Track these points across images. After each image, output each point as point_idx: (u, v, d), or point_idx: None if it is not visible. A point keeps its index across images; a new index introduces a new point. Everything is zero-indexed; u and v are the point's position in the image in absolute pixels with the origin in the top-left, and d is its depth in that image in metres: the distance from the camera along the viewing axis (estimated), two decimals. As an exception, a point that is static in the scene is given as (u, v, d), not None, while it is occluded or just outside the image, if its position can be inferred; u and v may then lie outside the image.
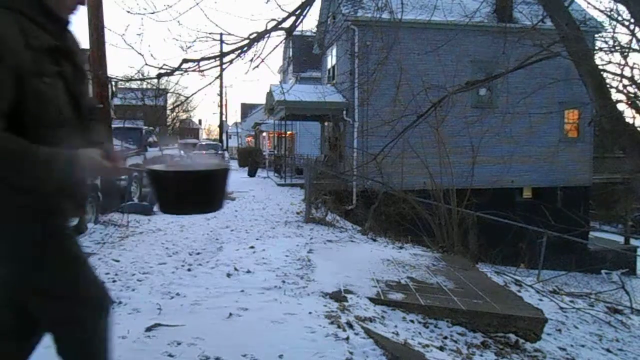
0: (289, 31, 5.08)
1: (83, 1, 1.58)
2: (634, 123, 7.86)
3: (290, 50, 20.62)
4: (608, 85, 5.52)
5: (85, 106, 1.62)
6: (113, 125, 8.99)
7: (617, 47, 6.79)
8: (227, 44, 5.04)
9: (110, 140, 1.70)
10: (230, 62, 5.06)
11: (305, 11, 5.11)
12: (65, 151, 1.41)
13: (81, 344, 1.71)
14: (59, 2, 1.51)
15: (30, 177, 1.41)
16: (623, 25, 6.59)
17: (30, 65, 1.39)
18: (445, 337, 3.56)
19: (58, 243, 1.56)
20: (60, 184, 1.48)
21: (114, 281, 4.09)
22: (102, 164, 1.47)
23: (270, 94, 17.54)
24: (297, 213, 9.74)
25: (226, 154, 30.86)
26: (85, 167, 1.44)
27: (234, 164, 31.24)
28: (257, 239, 6.46)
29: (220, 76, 5.13)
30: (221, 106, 35.24)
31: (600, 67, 5.66)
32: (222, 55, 5.00)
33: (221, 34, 5.99)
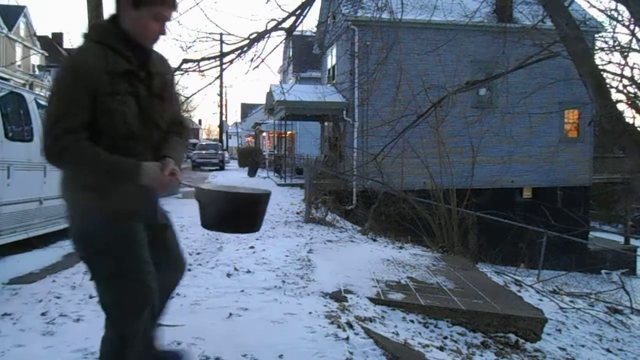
0: (289, 31, 5.08)
1: (164, 32, 1.85)
2: (634, 123, 7.87)
3: (290, 50, 20.61)
4: (608, 85, 5.53)
5: (158, 121, 1.87)
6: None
7: (617, 47, 6.79)
8: (227, 44, 5.05)
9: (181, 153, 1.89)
10: (230, 62, 5.06)
11: (305, 11, 5.11)
12: (129, 161, 1.71)
13: (105, 340, 1.88)
14: (144, 35, 1.81)
15: (96, 178, 1.74)
16: (623, 25, 6.59)
17: (106, 86, 1.70)
18: (445, 337, 3.56)
19: (115, 240, 1.79)
20: (123, 189, 1.75)
21: (114, 281, 4.08)
22: (160, 177, 1.74)
23: (270, 94, 17.54)
24: (297, 213, 9.74)
25: (226, 154, 30.87)
26: (145, 177, 1.72)
27: (233, 164, 31.25)
28: (257, 239, 6.45)
29: (220, 76, 5.13)
30: (221, 106, 35.26)
31: (600, 67, 5.66)
32: (222, 55, 5.00)
33: (221, 34, 5.99)
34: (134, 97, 1.78)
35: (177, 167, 1.82)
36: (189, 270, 4.56)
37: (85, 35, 1.83)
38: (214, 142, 30.68)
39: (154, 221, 1.96)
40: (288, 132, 23.04)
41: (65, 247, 5.57)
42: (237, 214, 1.87)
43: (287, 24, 5.04)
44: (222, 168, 25.58)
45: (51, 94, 1.75)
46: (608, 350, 4.51)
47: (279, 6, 4.93)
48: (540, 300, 5.58)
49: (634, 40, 6.43)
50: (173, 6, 1.86)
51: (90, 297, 3.62)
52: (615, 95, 5.98)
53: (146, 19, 1.78)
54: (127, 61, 1.77)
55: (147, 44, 1.84)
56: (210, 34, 5.37)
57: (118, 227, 1.79)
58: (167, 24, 1.86)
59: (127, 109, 1.75)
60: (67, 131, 1.66)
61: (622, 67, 6.72)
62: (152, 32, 1.81)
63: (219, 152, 26.42)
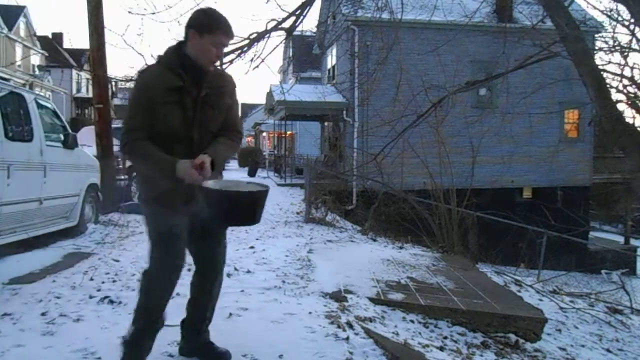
0: (289, 31, 5.08)
1: (221, 56, 2.46)
2: (634, 123, 7.86)
3: (290, 50, 20.61)
4: (608, 85, 5.52)
5: (208, 126, 2.34)
6: (113, 126, 9.00)
7: (617, 47, 6.79)
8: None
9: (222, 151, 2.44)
10: (231, 62, 5.06)
11: (305, 11, 5.11)
12: (168, 158, 2.18)
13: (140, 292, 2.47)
14: (204, 59, 2.26)
15: (147, 169, 2.32)
16: (623, 25, 6.58)
17: (159, 98, 2.19)
18: (445, 337, 3.56)
19: (157, 219, 2.31)
20: (166, 180, 2.21)
21: (114, 281, 4.08)
22: (188, 172, 2.13)
23: (270, 94, 17.53)
24: (297, 213, 9.74)
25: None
26: (179, 171, 2.14)
27: (233, 164, 31.24)
28: (257, 239, 6.45)
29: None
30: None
31: (600, 67, 5.66)
32: (223, 55, 4.99)
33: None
34: (180, 107, 2.24)
35: (207, 161, 2.16)
36: (189, 270, 4.56)
37: (157, 57, 2.38)
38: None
39: (188, 210, 2.32)
40: (288, 132, 23.04)
41: (65, 247, 5.57)
42: (238, 211, 2.16)
43: (287, 24, 5.05)
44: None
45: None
46: (608, 350, 4.51)
47: (279, 6, 4.93)
48: (540, 300, 5.58)
49: (634, 40, 6.43)
50: (231, 35, 2.32)
51: (90, 297, 3.62)
52: (615, 95, 5.98)
53: (207, 46, 2.23)
54: (179, 78, 2.23)
55: (205, 66, 2.27)
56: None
57: (155, 207, 2.33)
58: (223, 49, 2.40)
59: (172, 116, 2.23)
60: (130, 131, 2.24)
61: (622, 67, 6.72)
62: (211, 56, 2.27)
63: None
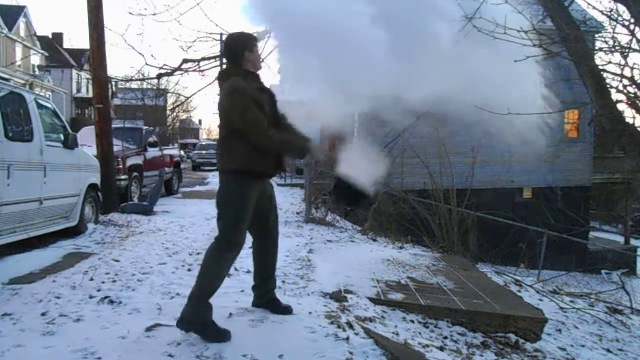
0: (289, 31, 5.07)
1: (260, 67, 3.13)
2: (634, 123, 7.84)
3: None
4: (608, 85, 5.52)
5: (277, 116, 3.08)
6: (113, 125, 8.99)
7: (617, 47, 6.78)
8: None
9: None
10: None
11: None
12: (299, 140, 3.09)
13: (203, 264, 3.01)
14: (259, 65, 3.10)
15: (280, 151, 3.07)
16: (623, 25, 6.57)
17: (255, 94, 2.89)
18: (445, 337, 3.56)
19: (246, 193, 2.94)
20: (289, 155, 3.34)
21: (114, 281, 4.08)
22: (318, 148, 3.14)
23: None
24: (297, 213, 9.74)
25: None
26: (313, 148, 3.09)
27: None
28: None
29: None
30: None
31: (600, 67, 5.65)
32: (222, 55, 4.99)
33: (221, 34, 5.99)
34: (265, 103, 2.94)
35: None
36: (189, 270, 4.57)
37: (231, 75, 3.00)
38: (214, 142, 30.70)
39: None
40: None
41: (65, 247, 5.57)
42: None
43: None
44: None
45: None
46: (608, 350, 4.51)
47: (279, 6, 4.92)
48: (540, 300, 5.58)
49: (634, 40, 6.42)
50: (258, 41, 3.14)
51: (90, 297, 3.62)
52: (615, 95, 5.96)
53: (256, 56, 3.06)
54: (255, 83, 3.00)
55: (258, 70, 3.08)
56: (210, 33, 5.37)
57: (248, 180, 2.99)
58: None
59: (266, 109, 2.94)
60: (257, 123, 2.88)
61: (622, 67, 6.70)
62: (259, 61, 3.11)
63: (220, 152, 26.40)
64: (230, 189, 2.93)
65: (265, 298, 3.27)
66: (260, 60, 3.14)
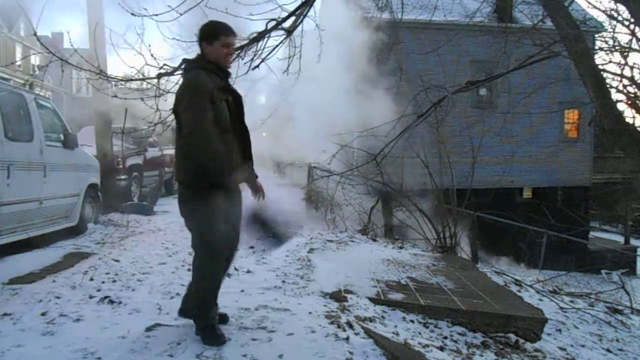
0: (289, 31, 5.07)
1: (233, 54, 3.03)
2: (634, 123, 7.86)
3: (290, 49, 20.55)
4: (608, 85, 5.52)
5: (242, 122, 2.83)
6: (113, 125, 8.99)
7: (617, 47, 6.78)
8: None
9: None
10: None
11: (306, 11, 5.10)
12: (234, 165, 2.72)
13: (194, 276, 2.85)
14: (222, 60, 2.80)
15: (208, 170, 2.62)
16: (623, 25, 6.58)
17: (215, 95, 2.64)
18: (445, 337, 3.56)
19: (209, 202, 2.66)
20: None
21: (114, 281, 4.08)
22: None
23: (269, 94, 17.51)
24: (297, 213, 9.73)
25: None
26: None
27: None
28: (257, 239, 6.44)
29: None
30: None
31: (600, 67, 5.65)
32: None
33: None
34: (226, 103, 2.71)
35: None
36: (189, 270, 4.56)
37: (192, 66, 2.78)
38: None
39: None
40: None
41: (65, 247, 5.57)
42: None
43: (287, 24, 5.03)
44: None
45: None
46: (608, 350, 4.51)
47: (279, 6, 4.92)
48: (540, 300, 5.57)
49: (634, 40, 6.42)
50: (234, 34, 2.85)
51: (90, 297, 3.62)
52: (615, 95, 5.96)
53: (219, 48, 2.75)
54: (220, 79, 2.74)
55: (225, 66, 2.83)
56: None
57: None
58: (232, 48, 2.93)
59: (225, 111, 2.69)
60: (203, 123, 2.62)
61: (622, 67, 6.71)
62: (226, 56, 2.81)
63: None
64: (197, 201, 2.66)
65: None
66: (228, 56, 2.83)
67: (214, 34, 2.75)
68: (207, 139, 2.56)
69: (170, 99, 4.42)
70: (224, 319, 3.02)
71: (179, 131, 2.71)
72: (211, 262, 2.72)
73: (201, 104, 2.58)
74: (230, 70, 2.86)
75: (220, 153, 2.59)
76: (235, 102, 2.79)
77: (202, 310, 2.78)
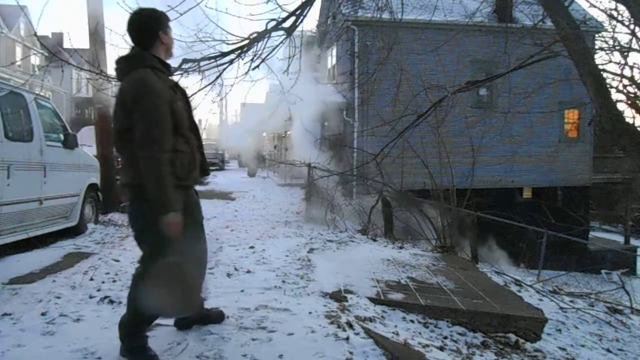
0: (289, 31, 5.07)
1: (172, 55, 2.67)
2: (634, 123, 7.85)
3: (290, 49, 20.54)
4: (608, 85, 5.51)
5: (193, 121, 2.62)
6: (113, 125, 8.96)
7: (617, 47, 6.78)
8: (227, 43, 5.04)
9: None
10: (231, 62, 5.05)
11: (306, 11, 5.10)
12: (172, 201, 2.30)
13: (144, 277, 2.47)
14: (171, 50, 2.59)
15: (149, 185, 2.28)
16: (623, 24, 6.58)
17: (170, 96, 2.39)
18: (445, 337, 3.56)
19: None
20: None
21: (114, 281, 4.08)
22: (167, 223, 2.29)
23: (270, 94, 17.53)
24: (297, 213, 9.74)
25: (226, 154, 30.86)
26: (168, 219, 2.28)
27: (233, 164, 31.24)
28: (257, 239, 6.46)
29: (220, 76, 5.13)
30: (221, 106, 35.19)
31: (600, 66, 5.65)
32: (222, 55, 4.99)
33: (221, 38, 5.95)
34: (180, 101, 2.51)
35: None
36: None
37: (137, 63, 2.42)
38: (214, 142, 30.68)
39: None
40: (288, 132, 23.03)
41: (65, 247, 5.57)
42: None
43: (287, 24, 5.03)
44: (222, 168, 25.58)
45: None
46: (608, 350, 4.51)
47: (279, 6, 4.92)
48: (540, 300, 5.57)
49: (634, 40, 6.42)
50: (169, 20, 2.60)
51: (90, 297, 3.62)
52: (615, 95, 5.96)
53: (169, 38, 2.54)
54: (167, 76, 2.52)
55: (168, 58, 2.57)
56: (210, 33, 5.35)
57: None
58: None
59: (182, 110, 2.47)
60: (162, 137, 2.35)
61: (622, 67, 6.71)
62: (172, 45, 2.58)
63: (219, 152, 26.41)
64: (147, 208, 2.32)
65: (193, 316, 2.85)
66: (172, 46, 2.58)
67: (163, 23, 2.47)
68: (159, 160, 2.25)
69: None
70: (219, 317, 2.97)
71: (125, 131, 2.35)
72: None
73: (161, 111, 2.30)
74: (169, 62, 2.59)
75: (163, 179, 2.26)
76: (185, 98, 2.60)
77: (133, 329, 2.52)
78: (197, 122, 2.70)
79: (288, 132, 23.35)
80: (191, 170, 2.53)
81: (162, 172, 2.26)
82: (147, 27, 2.43)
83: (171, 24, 2.55)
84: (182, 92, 2.61)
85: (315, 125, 20.61)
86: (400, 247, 6.96)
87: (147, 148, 2.26)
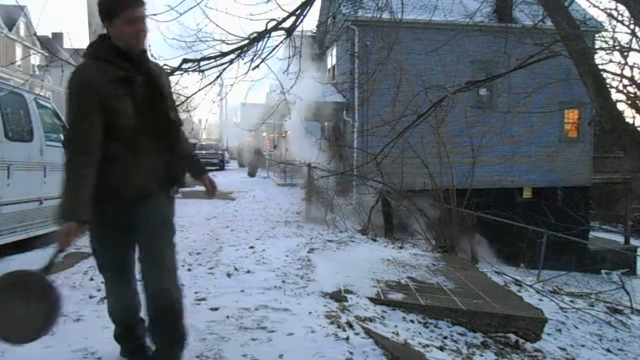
0: (289, 31, 5.07)
1: (143, 30, 2.12)
2: (634, 123, 7.86)
3: (290, 49, 20.55)
4: (608, 85, 5.51)
5: (164, 112, 2.20)
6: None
7: (617, 47, 6.79)
8: (227, 44, 5.04)
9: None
10: (230, 62, 5.05)
11: (306, 11, 5.10)
12: (79, 205, 2.00)
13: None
14: (126, 41, 2.09)
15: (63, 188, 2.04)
16: (623, 24, 6.58)
17: (108, 92, 2.04)
18: (445, 337, 3.56)
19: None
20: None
21: (114, 281, 4.08)
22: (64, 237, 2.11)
23: (270, 94, 17.54)
24: (297, 213, 9.74)
25: (226, 154, 30.86)
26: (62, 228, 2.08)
27: (233, 164, 31.24)
28: (257, 239, 6.46)
29: (220, 76, 5.13)
30: (221, 106, 35.20)
31: (600, 66, 5.65)
32: (222, 55, 4.99)
33: (223, 36, 5.96)
34: (130, 97, 2.10)
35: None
36: (189, 270, 4.56)
37: (84, 55, 2.19)
38: (214, 142, 30.67)
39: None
40: (288, 132, 23.03)
41: (65, 247, 5.57)
42: None
43: (287, 24, 5.03)
44: (222, 168, 25.59)
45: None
46: (608, 350, 4.51)
47: (279, 6, 4.93)
48: (540, 300, 5.58)
49: (634, 40, 6.43)
50: (138, 4, 2.10)
51: (90, 297, 3.62)
52: (615, 95, 5.97)
53: (122, 27, 2.06)
54: (121, 69, 2.10)
55: (133, 48, 2.11)
56: (210, 33, 5.36)
57: None
58: (145, 21, 2.13)
59: (127, 107, 2.09)
60: (81, 133, 2.05)
61: (622, 67, 6.72)
62: (131, 35, 2.08)
63: (219, 152, 26.41)
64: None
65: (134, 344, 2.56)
66: (137, 34, 2.10)
67: (112, 9, 2.07)
68: (73, 162, 2.02)
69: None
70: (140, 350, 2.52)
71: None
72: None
73: (83, 109, 2.03)
74: (141, 50, 2.16)
75: (73, 182, 2.01)
76: (150, 90, 2.16)
77: (119, 335, 2.56)
78: (176, 118, 2.30)
79: (288, 132, 23.37)
80: (129, 179, 2.14)
81: (74, 175, 2.00)
82: (101, 14, 2.12)
83: (136, 14, 2.08)
84: (150, 81, 2.17)
85: (315, 126, 20.63)
86: (400, 247, 6.96)
87: (65, 147, 2.07)
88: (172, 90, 2.54)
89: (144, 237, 2.19)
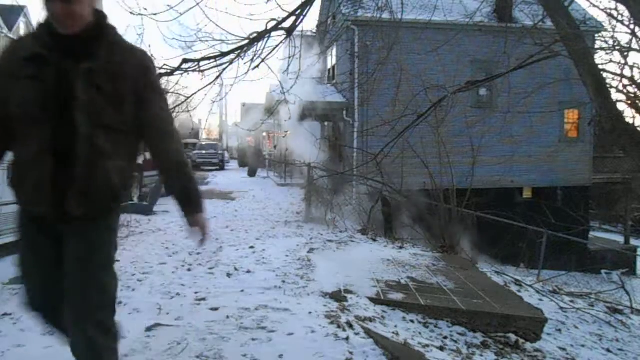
0: (289, 31, 5.07)
1: (71, 12, 1.71)
2: (634, 123, 7.86)
3: (290, 50, 20.56)
4: (608, 85, 5.51)
5: (74, 105, 1.70)
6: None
7: (617, 47, 6.79)
8: (227, 44, 5.04)
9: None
10: (231, 62, 5.05)
11: (306, 11, 5.10)
12: None
13: None
14: (56, 20, 1.72)
15: None
16: (623, 24, 6.59)
17: (15, 69, 1.70)
18: (445, 337, 3.56)
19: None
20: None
21: (114, 281, 4.08)
22: None
23: (270, 94, 17.54)
24: (297, 213, 9.74)
25: (226, 154, 30.86)
26: None
27: (233, 164, 31.23)
28: (257, 239, 6.45)
29: (220, 76, 5.13)
30: (221, 106, 35.22)
31: (600, 66, 5.65)
32: (222, 55, 4.99)
33: (222, 36, 5.96)
34: (38, 81, 1.69)
35: None
36: (189, 270, 4.57)
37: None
38: (214, 142, 30.66)
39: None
40: (288, 132, 23.03)
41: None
42: None
43: (287, 24, 5.04)
44: (222, 168, 25.59)
45: None
46: (608, 350, 4.51)
47: (279, 6, 4.93)
48: (540, 300, 5.57)
49: (634, 40, 6.43)
50: None
51: (90, 297, 3.62)
52: (615, 95, 5.97)
53: (52, 5, 1.70)
54: (41, 46, 1.72)
55: (64, 29, 1.72)
56: (210, 33, 5.37)
57: None
58: (72, 3, 1.70)
59: (24, 92, 1.69)
60: None
61: (622, 67, 6.72)
62: (59, 15, 1.70)
63: (219, 152, 26.42)
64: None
65: None
66: (60, 17, 1.70)
67: None
68: None
69: (170, 100, 4.37)
70: None
71: None
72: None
73: None
74: (69, 32, 1.73)
75: None
76: (67, 79, 1.70)
77: None
78: (152, 119, 1.93)
79: (287, 132, 23.36)
80: (24, 188, 1.85)
81: None
82: None
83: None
84: (69, 69, 1.71)
85: (315, 125, 20.62)
86: (400, 247, 6.96)
87: None
88: (163, 86, 2.18)
89: (65, 271, 1.86)
